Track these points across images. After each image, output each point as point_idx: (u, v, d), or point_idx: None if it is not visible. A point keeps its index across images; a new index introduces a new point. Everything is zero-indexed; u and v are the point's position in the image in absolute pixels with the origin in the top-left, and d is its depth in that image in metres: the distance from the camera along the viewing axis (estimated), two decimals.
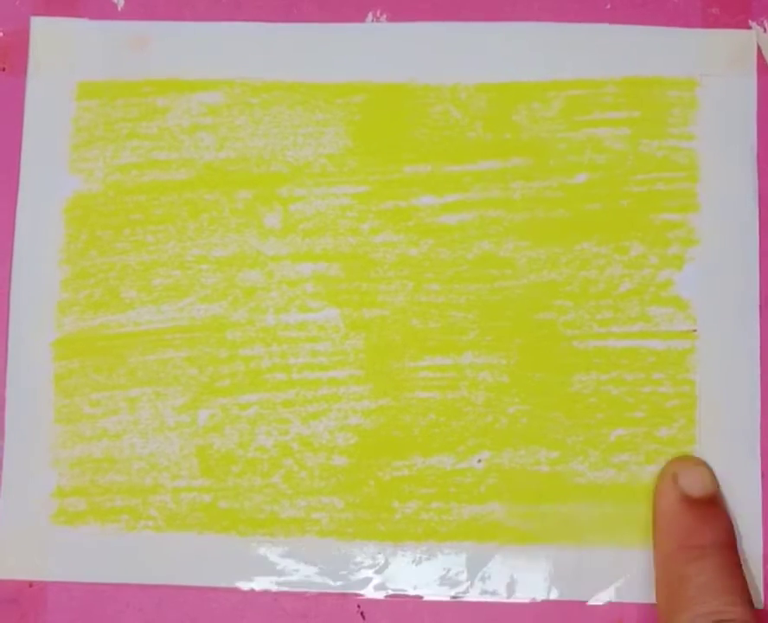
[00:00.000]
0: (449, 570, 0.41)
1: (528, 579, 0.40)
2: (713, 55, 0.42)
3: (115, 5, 0.43)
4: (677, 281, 0.41)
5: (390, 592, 0.41)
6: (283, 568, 0.41)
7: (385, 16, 0.43)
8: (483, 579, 0.40)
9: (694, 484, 0.39)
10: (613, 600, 0.40)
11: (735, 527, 0.39)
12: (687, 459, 0.40)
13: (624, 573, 0.40)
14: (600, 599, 0.40)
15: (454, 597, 0.40)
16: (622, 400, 0.41)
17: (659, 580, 0.39)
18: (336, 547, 0.41)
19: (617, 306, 0.41)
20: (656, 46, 0.42)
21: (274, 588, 0.41)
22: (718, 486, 0.39)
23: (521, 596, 0.40)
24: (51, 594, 0.41)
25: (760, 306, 0.41)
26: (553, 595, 0.40)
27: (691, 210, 0.42)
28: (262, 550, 0.41)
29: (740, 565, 0.38)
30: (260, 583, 0.41)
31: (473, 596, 0.40)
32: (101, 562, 0.41)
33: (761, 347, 0.41)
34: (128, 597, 0.41)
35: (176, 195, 0.42)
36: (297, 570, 0.41)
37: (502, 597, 0.40)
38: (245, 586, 0.41)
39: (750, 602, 0.37)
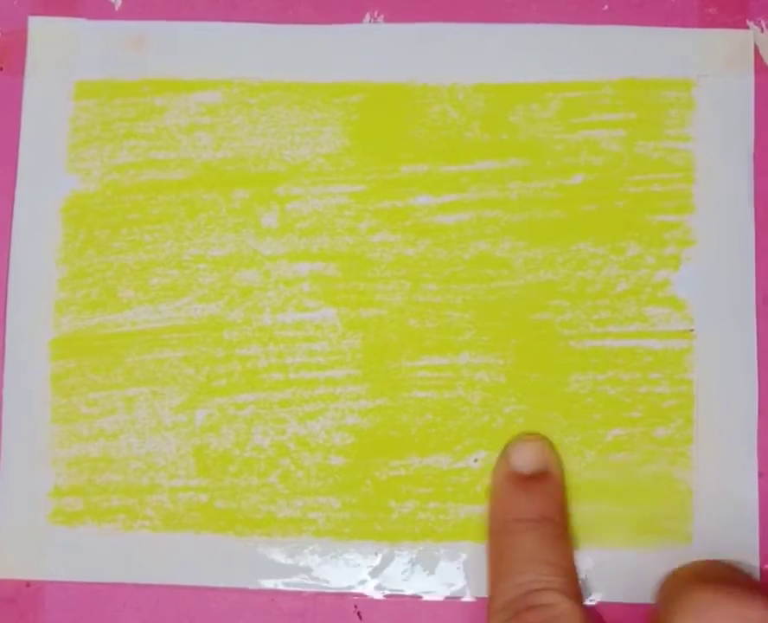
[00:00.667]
0: (446, 570, 0.41)
1: None
2: (710, 56, 0.42)
3: (112, 5, 0.43)
4: (674, 281, 0.41)
5: (387, 592, 0.41)
6: (280, 568, 0.41)
7: (382, 16, 0.43)
8: (480, 579, 0.40)
9: (522, 461, 0.40)
10: (610, 600, 0.40)
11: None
12: (521, 436, 0.41)
13: (621, 573, 0.40)
14: (597, 599, 0.40)
15: (451, 597, 0.40)
16: (619, 400, 0.41)
17: (488, 553, 0.39)
18: (333, 547, 0.41)
19: (613, 306, 0.41)
20: (653, 46, 0.42)
21: (271, 588, 0.41)
22: (550, 461, 0.40)
23: None
24: (49, 593, 0.41)
25: (757, 306, 0.41)
26: None
27: (687, 211, 0.42)
28: (259, 550, 0.41)
29: (566, 538, 0.39)
30: (257, 583, 0.41)
31: (470, 596, 0.40)
32: (99, 562, 0.41)
33: (758, 346, 0.41)
34: (125, 597, 0.41)
35: (173, 194, 0.42)
36: (294, 570, 0.41)
37: None
38: (242, 586, 0.41)
39: (571, 573, 0.38)
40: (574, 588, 0.37)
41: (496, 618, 0.37)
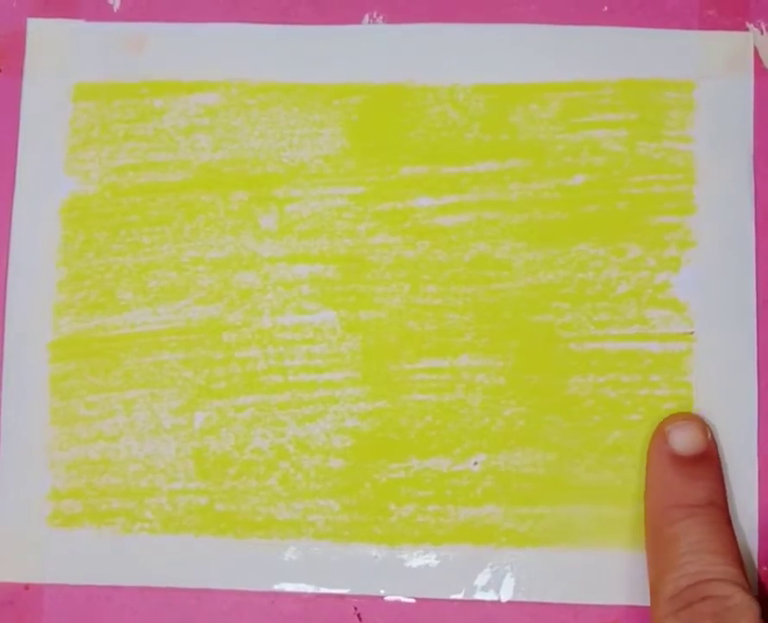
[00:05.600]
0: (445, 573, 0.41)
1: (524, 581, 0.40)
2: (710, 57, 0.42)
3: (111, 6, 0.43)
4: (674, 283, 0.41)
5: (387, 594, 0.41)
6: (279, 571, 0.41)
7: (381, 17, 0.43)
8: (479, 581, 0.40)
9: (683, 443, 0.39)
10: (610, 603, 0.40)
11: (728, 485, 0.39)
12: (679, 415, 0.40)
13: (620, 576, 0.40)
14: (597, 601, 0.40)
15: (450, 600, 0.40)
16: (619, 402, 0.41)
17: (648, 540, 0.39)
18: (333, 549, 0.41)
19: (614, 308, 0.41)
20: (654, 48, 0.42)
21: (271, 590, 0.41)
22: (709, 443, 0.39)
23: (518, 599, 0.40)
24: (47, 596, 0.41)
25: (757, 308, 0.41)
26: (550, 598, 0.40)
27: (688, 213, 0.42)
28: (259, 553, 0.41)
29: (730, 524, 0.38)
30: (257, 585, 0.41)
31: (469, 599, 0.40)
32: (97, 565, 0.41)
33: (758, 349, 0.41)
34: (124, 599, 0.41)
35: (172, 196, 0.42)
36: (293, 572, 0.41)
37: (498, 600, 0.40)
38: (241, 588, 0.41)
39: (739, 561, 0.37)
40: (744, 577, 0.37)
41: (665, 608, 0.36)
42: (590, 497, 0.40)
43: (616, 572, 0.40)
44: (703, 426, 0.39)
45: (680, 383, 0.41)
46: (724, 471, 0.40)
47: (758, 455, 0.40)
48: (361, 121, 0.42)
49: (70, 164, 0.43)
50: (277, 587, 0.41)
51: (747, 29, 0.42)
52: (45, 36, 0.43)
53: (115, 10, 0.43)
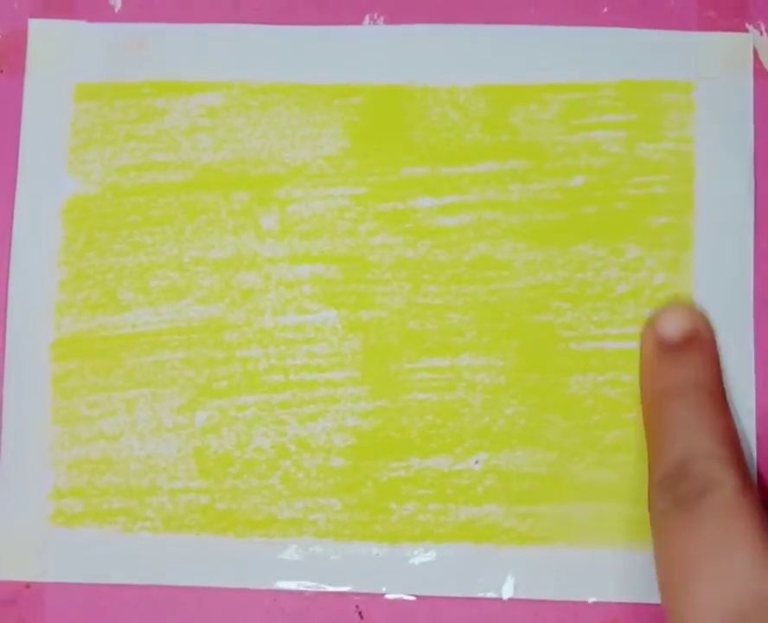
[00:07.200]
0: (446, 571, 0.41)
1: (525, 579, 0.40)
2: (709, 59, 0.42)
3: (112, 7, 0.43)
4: (673, 284, 0.41)
5: (388, 592, 0.41)
6: (280, 569, 0.41)
7: (382, 18, 0.43)
8: (480, 580, 0.41)
9: (667, 327, 0.38)
10: (610, 600, 0.40)
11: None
12: (668, 303, 0.39)
13: (620, 573, 0.40)
14: (597, 599, 0.40)
15: (451, 597, 0.41)
16: (618, 401, 0.41)
17: (645, 430, 0.38)
18: (334, 548, 0.41)
19: (613, 308, 0.41)
20: (653, 49, 0.42)
21: (272, 589, 0.41)
22: (699, 326, 0.38)
23: (519, 596, 0.40)
24: (48, 595, 0.41)
25: (755, 309, 0.41)
26: (550, 595, 0.40)
27: (687, 214, 0.42)
28: (260, 551, 0.41)
29: (723, 406, 0.37)
30: (258, 584, 0.41)
31: (470, 597, 0.40)
32: (99, 564, 0.41)
33: (756, 350, 0.41)
34: (126, 598, 0.41)
35: (173, 196, 0.43)
36: (294, 571, 0.41)
37: (500, 597, 0.40)
38: (243, 586, 0.41)
39: (730, 440, 0.36)
40: (734, 456, 0.36)
41: (654, 492, 0.36)
42: (590, 495, 0.41)
43: (616, 570, 0.40)
44: (691, 310, 0.38)
45: None
46: None
47: (757, 456, 0.40)
48: (361, 122, 0.43)
49: (71, 165, 0.43)
50: (278, 586, 0.41)
51: (747, 30, 0.42)
52: (46, 37, 0.43)
53: (116, 11, 0.43)
